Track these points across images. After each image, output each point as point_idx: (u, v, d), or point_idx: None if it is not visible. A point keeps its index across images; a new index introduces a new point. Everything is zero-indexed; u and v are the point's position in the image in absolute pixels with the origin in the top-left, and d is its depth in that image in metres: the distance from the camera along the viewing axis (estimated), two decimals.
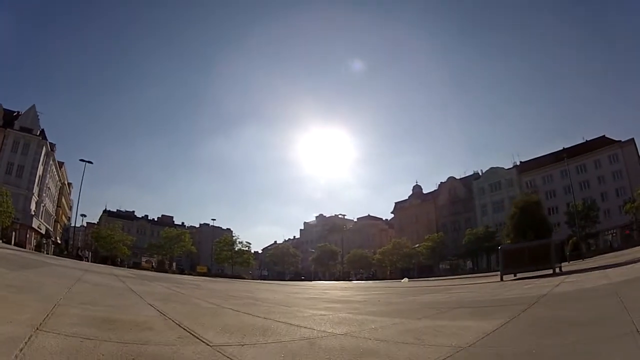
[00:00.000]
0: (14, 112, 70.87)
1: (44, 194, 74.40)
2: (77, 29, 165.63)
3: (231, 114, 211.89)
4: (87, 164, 64.49)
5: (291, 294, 17.54)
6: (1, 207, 54.49)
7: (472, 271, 67.03)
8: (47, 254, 59.51)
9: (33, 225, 67.39)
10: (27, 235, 65.05)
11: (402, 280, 44.35)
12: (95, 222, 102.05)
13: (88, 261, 58.93)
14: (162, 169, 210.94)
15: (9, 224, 56.73)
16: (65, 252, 66.38)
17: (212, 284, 25.47)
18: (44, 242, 73.08)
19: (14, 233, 60.02)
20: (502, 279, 21.69)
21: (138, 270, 46.54)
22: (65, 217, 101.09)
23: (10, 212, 55.74)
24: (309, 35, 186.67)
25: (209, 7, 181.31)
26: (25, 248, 55.89)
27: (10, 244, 53.71)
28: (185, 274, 68.08)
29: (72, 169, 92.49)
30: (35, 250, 56.72)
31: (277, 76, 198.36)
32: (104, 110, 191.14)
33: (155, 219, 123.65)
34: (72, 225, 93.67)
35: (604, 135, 74.30)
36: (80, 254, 69.20)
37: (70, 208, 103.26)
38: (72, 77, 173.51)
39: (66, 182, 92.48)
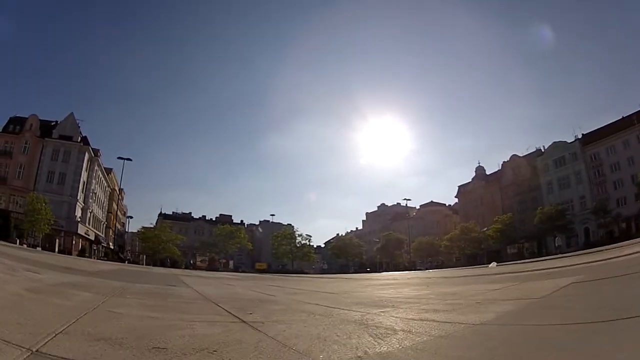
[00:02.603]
0: (52, 122, 67.85)
1: (91, 200, 69.90)
2: (122, 36, 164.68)
3: (284, 109, 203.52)
4: (126, 161, 61.96)
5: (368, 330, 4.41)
6: (39, 215, 51.84)
7: (541, 254, 58.17)
8: (95, 258, 56.46)
9: (79, 232, 63.58)
10: (74, 242, 61.60)
11: (490, 266, 36.15)
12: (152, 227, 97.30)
13: (129, 262, 55.52)
14: (218, 169, 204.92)
15: (47, 230, 53.69)
16: (109, 256, 63.25)
17: (209, 283, 16.71)
18: (94, 248, 69.65)
19: (57, 240, 57.37)
20: None
21: (168, 270, 40.98)
22: (119, 223, 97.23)
23: (49, 219, 53.07)
24: (360, 25, 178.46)
25: (257, 3, 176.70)
26: (71, 254, 52.77)
27: (53, 250, 50.80)
28: (239, 272, 63.56)
29: (128, 176, 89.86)
30: (78, 256, 53.33)
31: (329, 69, 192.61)
32: (156, 116, 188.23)
33: (213, 219, 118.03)
34: (127, 230, 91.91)
35: None
36: (122, 256, 65.74)
37: (124, 214, 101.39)
38: (123, 85, 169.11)
39: (117, 188, 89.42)
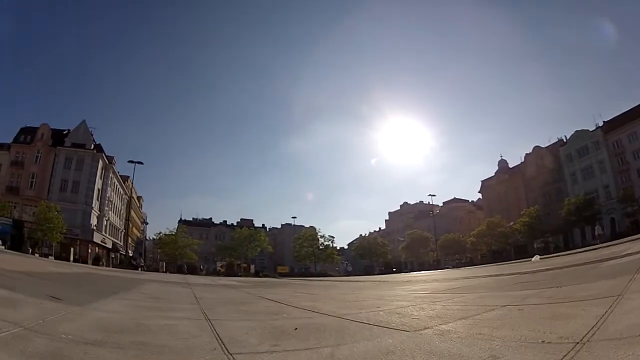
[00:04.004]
0: (64, 130, 65.55)
1: (106, 208, 66.83)
2: (138, 45, 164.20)
3: (304, 111, 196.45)
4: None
5: None
6: (51, 224, 49.65)
7: (568, 248, 53.83)
8: (111, 266, 54.48)
9: (95, 240, 60.64)
10: (89, 250, 58.74)
11: (533, 259, 32.38)
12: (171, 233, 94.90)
13: (143, 270, 53.29)
14: (239, 174, 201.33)
15: (60, 239, 51.35)
16: (123, 264, 61.15)
17: None
18: (112, 256, 67.39)
19: (72, 249, 55.02)
20: None
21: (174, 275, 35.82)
22: (138, 231, 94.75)
23: (61, 228, 50.75)
24: (376, 25, 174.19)
25: (274, 7, 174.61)
26: (87, 263, 50.44)
27: (68, 259, 48.73)
28: (260, 276, 61.16)
29: (148, 184, 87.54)
30: (92, 264, 51.23)
31: (347, 69, 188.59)
32: (175, 123, 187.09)
33: (235, 224, 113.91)
34: (147, 238, 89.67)
35: None
36: (134, 263, 63.40)
37: (143, 221, 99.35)
38: (141, 94, 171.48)
39: (134, 196, 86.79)
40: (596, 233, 51.17)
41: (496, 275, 16.74)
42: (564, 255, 30.54)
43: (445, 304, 7.72)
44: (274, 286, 19.73)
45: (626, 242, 26.08)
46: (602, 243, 37.97)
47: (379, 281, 24.23)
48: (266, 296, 11.68)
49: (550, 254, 43.63)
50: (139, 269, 53.70)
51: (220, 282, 25.40)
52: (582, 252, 28.52)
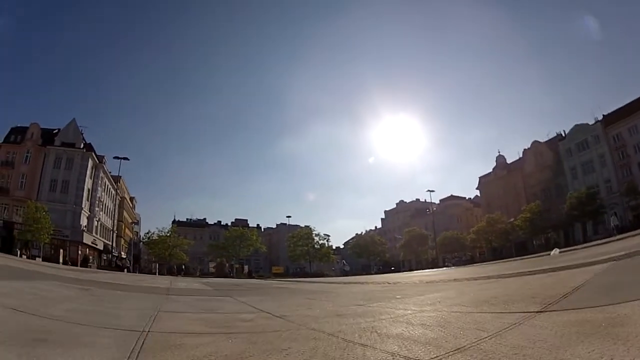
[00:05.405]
0: (54, 129, 65.00)
1: (97, 209, 66.29)
2: (131, 43, 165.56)
3: (298, 110, 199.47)
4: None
5: None
6: (39, 224, 49.18)
7: (569, 244, 52.76)
8: (97, 268, 54.08)
9: (85, 241, 60.15)
10: (79, 252, 58.32)
11: (552, 253, 30.67)
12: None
13: (129, 271, 52.95)
14: (234, 174, 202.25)
15: (47, 240, 51.01)
16: (112, 265, 60.79)
17: None
18: (104, 257, 66.72)
19: (62, 250, 54.65)
20: None
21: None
22: (131, 232, 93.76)
23: (48, 229, 50.14)
24: (370, 24, 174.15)
25: (268, 5, 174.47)
26: (76, 264, 49.76)
27: (58, 261, 48.11)
28: (253, 277, 60.43)
29: (142, 185, 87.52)
30: (80, 265, 50.94)
31: (341, 68, 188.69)
32: (170, 123, 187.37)
33: (229, 224, 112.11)
34: (141, 239, 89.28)
35: None
36: (120, 264, 63.05)
37: (137, 222, 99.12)
38: (134, 94, 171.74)
39: (127, 196, 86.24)
40: (612, 224, 50.33)
41: (557, 270, 10.31)
42: (585, 247, 27.88)
43: None
44: (242, 293, 13.61)
45: None
46: (616, 235, 36.92)
47: (388, 283, 17.34)
48: (163, 328, 4.87)
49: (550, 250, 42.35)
50: (125, 270, 53.43)
51: (179, 284, 19.92)
52: (606, 243, 25.72)
